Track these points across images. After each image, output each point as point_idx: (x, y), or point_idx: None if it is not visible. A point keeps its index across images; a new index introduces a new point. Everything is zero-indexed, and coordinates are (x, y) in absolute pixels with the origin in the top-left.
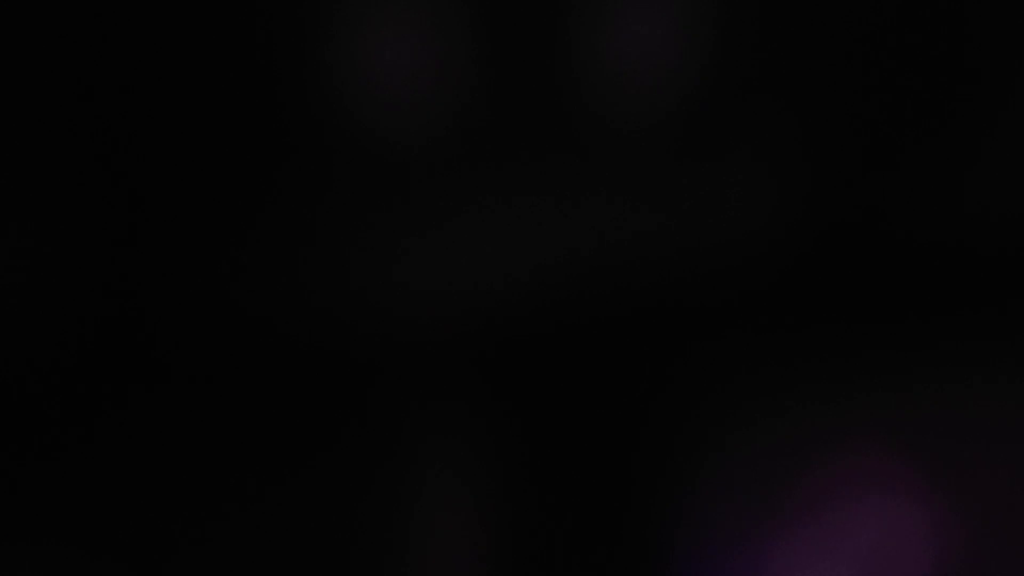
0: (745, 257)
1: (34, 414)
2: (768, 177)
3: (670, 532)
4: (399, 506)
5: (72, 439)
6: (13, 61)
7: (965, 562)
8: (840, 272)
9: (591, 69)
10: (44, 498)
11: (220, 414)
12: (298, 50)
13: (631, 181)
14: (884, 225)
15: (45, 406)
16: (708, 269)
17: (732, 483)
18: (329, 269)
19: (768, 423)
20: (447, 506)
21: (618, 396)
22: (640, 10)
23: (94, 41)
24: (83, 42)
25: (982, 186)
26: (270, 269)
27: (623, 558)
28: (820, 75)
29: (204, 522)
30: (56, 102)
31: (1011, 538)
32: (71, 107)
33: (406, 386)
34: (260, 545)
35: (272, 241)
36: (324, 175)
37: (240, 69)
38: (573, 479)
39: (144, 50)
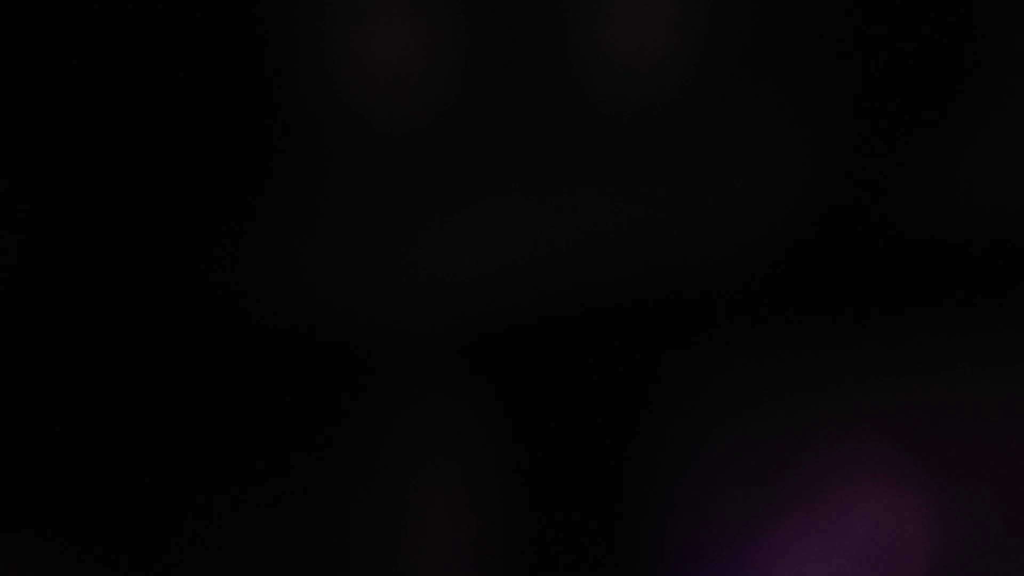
0: (741, 247)
1: (28, 407)
2: (765, 168)
3: (665, 523)
4: (392, 499)
5: (67, 432)
6: (6, 52)
7: (961, 552)
8: (836, 263)
9: (587, 59)
10: (38, 492)
11: (212, 405)
12: (294, 42)
13: (627, 171)
14: (881, 216)
15: (39, 399)
16: (703, 259)
17: (727, 474)
18: (323, 261)
19: (764, 413)
20: (440, 499)
21: (613, 387)
22: (636, 1)
23: (90, 35)
24: (80, 36)
25: (979, 178)
26: (264, 262)
27: (618, 550)
28: (818, 66)
29: (196, 515)
30: (52, 95)
31: (1007, 528)
32: (68, 101)
33: (399, 378)
34: (252, 537)
35: (266, 233)
36: (318, 167)
37: (237, 61)
38: (567, 471)
39: (141, 44)
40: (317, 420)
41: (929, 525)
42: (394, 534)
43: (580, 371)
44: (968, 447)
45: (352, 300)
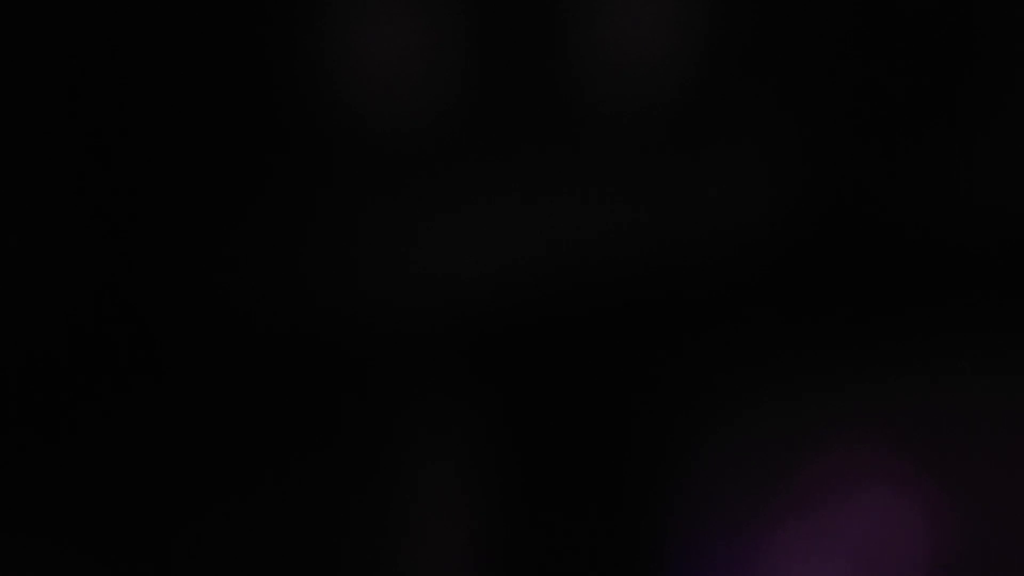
0: (741, 247)
1: (27, 408)
2: (765, 168)
3: (665, 524)
4: (392, 499)
5: (67, 433)
6: (6, 51)
7: (960, 552)
8: (836, 263)
9: (587, 59)
10: (37, 493)
11: (212, 405)
12: (294, 42)
13: (627, 171)
14: (881, 216)
15: (39, 400)
16: (701, 261)
17: (727, 475)
18: (321, 262)
19: (764, 414)
20: (440, 499)
21: (613, 388)
22: (635, 1)
23: (91, 33)
24: (80, 34)
25: (979, 178)
26: (263, 262)
27: (617, 551)
28: (818, 66)
29: (196, 516)
30: (51, 94)
31: (1006, 528)
32: (67, 100)
33: (399, 378)
34: (253, 538)
35: (264, 234)
36: (317, 167)
37: (237, 61)
38: (567, 471)
39: (140, 43)
40: (317, 421)
41: (929, 526)
42: (394, 534)
43: (580, 371)
44: (968, 448)
45: (352, 300)
